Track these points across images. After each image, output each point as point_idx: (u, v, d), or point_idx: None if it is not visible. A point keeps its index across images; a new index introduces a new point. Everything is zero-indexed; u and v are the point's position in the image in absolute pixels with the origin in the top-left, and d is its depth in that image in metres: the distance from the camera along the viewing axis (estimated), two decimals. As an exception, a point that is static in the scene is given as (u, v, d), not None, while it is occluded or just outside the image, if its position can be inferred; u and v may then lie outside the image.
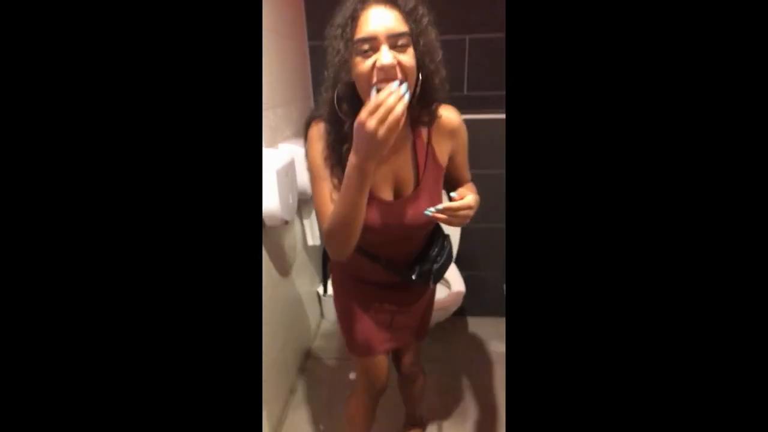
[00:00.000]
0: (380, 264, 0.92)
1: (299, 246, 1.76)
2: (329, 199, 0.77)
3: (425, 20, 0.71)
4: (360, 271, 0.98)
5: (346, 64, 0.70)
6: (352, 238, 0.72)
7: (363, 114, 0.61)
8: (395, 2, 0.68)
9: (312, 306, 1.95)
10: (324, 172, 0.78)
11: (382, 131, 0.60)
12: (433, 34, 0.73)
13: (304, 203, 1.73)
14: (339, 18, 0.71)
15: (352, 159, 0.65)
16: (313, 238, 1.80)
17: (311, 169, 0.79)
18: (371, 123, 0.60)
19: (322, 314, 2.14)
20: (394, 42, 0.67)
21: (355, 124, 0.62)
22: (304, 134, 0.84)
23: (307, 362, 1.85)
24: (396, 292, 1.01)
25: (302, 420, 1.55)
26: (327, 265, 1.14)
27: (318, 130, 0.79)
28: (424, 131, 0.85)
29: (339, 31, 0.70)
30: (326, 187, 0.78)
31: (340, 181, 0.73)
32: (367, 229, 0.75)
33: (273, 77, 1.40)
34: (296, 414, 1.58)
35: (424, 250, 0.96)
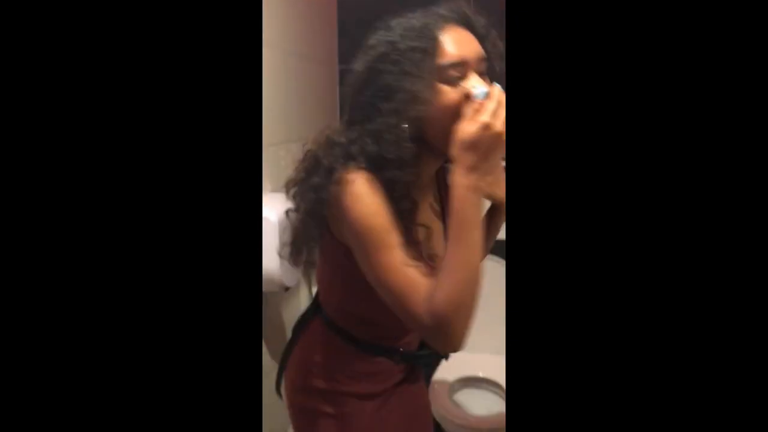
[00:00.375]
0: (396, 358, 0.80)
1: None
2: (417, 273, 0.62)
3: (500, 44, 0.69)
4: (360, 384, 0.80)
5: (423, 94, 0.62)
6: (476, 300, 0.63)
7: (487, 116, 0.57)
8: (471, 22, 0.66)
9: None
10: (395, 238, 0.63)
11: (504, 136, 0.58)
12: (504, 60, 0.71)
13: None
14: (410, 35, 0.63)
15: (464, 181, 0.58)
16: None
17: (370, 236, 0.63)
18: (499, 125, 0.57)
19: None
20: (480, 68, 0.65)
21: (475, 131, 0.57)
22: (323, 191, 0.65)
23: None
24: (396, 396, 0.84)
25: None
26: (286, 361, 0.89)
27: (366, 181, 0.63)
28: None
29: (415, 48, 0.62)
30: (405, 258, 0.63)
31: (414, 249, 0.65)
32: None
33: (289, 106, 1.31)
34: None
35: None
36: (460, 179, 0.57)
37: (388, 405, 0.81)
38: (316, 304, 0.83)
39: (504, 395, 1.36)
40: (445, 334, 0.59)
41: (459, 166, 0.57)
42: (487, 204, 0.79)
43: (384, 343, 0.77)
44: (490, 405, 1.38)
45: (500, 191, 0.73)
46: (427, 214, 0.74)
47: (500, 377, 1.41)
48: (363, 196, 0.62)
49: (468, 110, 0.58)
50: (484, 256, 0.81)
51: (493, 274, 1.45)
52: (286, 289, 1.12)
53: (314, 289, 1.42)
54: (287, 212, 0.72)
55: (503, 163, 0.62)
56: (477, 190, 0.58)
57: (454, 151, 0.58)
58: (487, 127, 0.55)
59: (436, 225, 0.75)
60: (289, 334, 1.28)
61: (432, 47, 0.61)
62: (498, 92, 0.57)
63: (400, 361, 0.80)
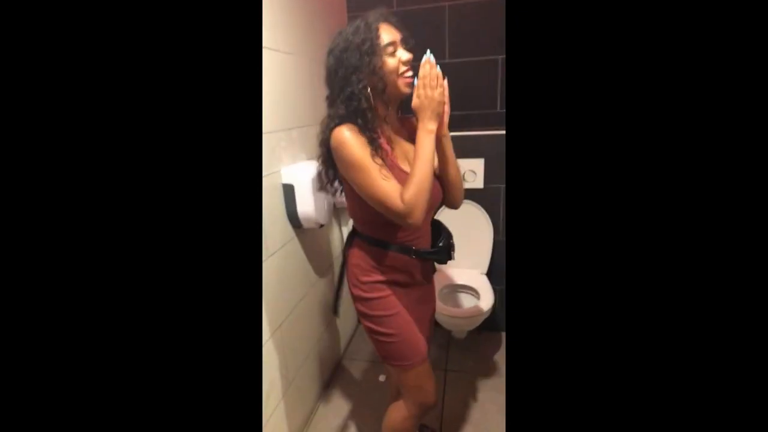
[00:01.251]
0: (412, 254, 0.97)
1: (337, 251, 1.80)
2: (385, 180, 0.84)
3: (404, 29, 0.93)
4: (394, 273, 1.00)
5: (374, 65, 0.85)
6: (429, 194, 0.85)
7: (427, 89, 0.82)
8: (389, 19, 0.90)
9: (349, 308, 1.99)
10: (372, 162, 0.84)
11: (443, 96, 0.84)
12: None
13: (343, 211, 1.78)
14: (359, 32, 0.86)
15: (424, 127, 0.84)
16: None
17: (358, 163, 0.84)
18: (437, 93, 0.82)
19: (359, 319, 2.17)
20: (402, 45, 0.90)
21: (422, 100, 0.83)
22: (325, 142, 0.89)
23: (342, 362, 1.89)
24: (416, 290, 1.05)
25: (331, 417, 1.59)
26: (342, 282, 1.12)
27: (350, 130, 0.85)
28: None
29: (364, 39, 0.85)
30: (379, 172, 0.84)
31: (385, 166, 0.87)
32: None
33: (317, 98, 1.44)
34: (326, 411, 1.61)
35: (435, 230, 1.07)
36: (421, 126, 0.84)
37: (409, 291, 1.02)
38: (353, 231, 1.05)
39: (478, 296, 1.65)
40: (412, 214, 0.82)
41: (422, 118, 0.83)
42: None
43: (405, 241, 0.97)
44: (467, 303, 1.68)
45: (443, 128, 0.92)
46: (408, 145, 0.98)
47: (475, 284, 1.71)
48: (346, 141, 0.83)
49: (424, 75, 0.83)
50: (454, 164, 1.00)
51: (476, 217, 1.76)
52: (321, 225, 1.38)
53: (344, 229, 1.81)
54: (319, 161, 0.96)
55: (447, 108, 0.89)
56: (430, 132, 0.83)
57: (417, 109, 0.84)
58: (431, 98, 0.82)
59: (412, 151, 0.93)
60: (324, 258, 1.63)
61: (374, 36, 0.84)
62: (428, 67, 0.83)
63: (417, 256, 0.97)
